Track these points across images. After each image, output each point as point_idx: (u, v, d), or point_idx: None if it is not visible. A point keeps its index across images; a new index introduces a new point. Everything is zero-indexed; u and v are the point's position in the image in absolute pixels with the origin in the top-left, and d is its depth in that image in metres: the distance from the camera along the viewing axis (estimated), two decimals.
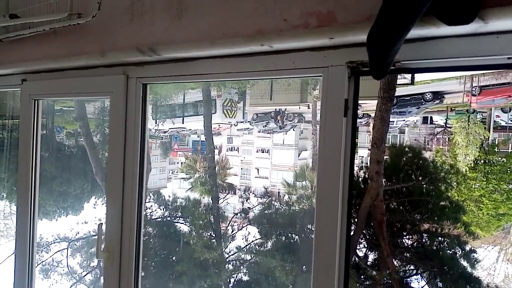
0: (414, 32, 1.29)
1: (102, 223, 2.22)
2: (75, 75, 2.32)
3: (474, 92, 10.36)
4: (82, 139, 9.03)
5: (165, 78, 2.05)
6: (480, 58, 1.37)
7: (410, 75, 9.35)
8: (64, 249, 8.38)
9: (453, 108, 11.37)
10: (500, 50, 1.32)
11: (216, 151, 12.59)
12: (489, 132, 10.31)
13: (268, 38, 1.55)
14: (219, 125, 13.52)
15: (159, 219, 8.71)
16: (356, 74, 1.59)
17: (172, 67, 1.98)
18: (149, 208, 8.61)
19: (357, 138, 10.46)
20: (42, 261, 8.15)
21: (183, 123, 12.80)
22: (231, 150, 15.17)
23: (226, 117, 12.41)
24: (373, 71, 1.33)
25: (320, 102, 1.64)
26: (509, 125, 10.96)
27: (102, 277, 7.77)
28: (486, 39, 1.33)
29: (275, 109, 12.63)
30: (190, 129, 14.00)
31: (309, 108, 11.89)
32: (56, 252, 8.35)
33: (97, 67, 2.22)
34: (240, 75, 1.84)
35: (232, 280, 7.90)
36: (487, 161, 8.84)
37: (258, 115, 13.30)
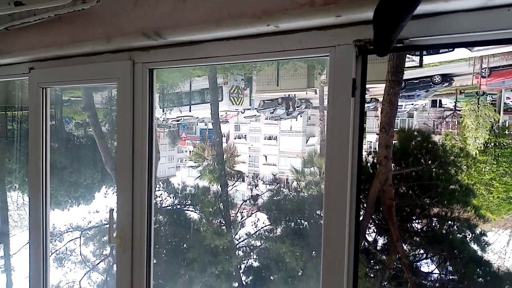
0: (422, 8, 1.27)
1: (113, 209, 2.24)
2: (82, 62, 2.32)
3: (483, 73, 10.18)
4: (90, 129, 9.09)
5: (171, 63, 2.04)
6: (490, 32, 1.35)
7: (418, 57, 9.22)
8: (76, 238, 8.52)
9: (462, 91, 11.21)
10: (508, 24, 1.29)
11: (224, 138, 12.60)
12: (499, 114, 10.15)
13: (274, 18, 1.53)
14: (226, 113, 13.51)
15: (169, 207, 8.80)
16: (364, 53, 1.57)
17: (178, 51, 1.97)
18: (159, 197, 8.69)
19: (365, 123, 10.39)
20: (56, 250, 8.30)
21: (190, 111, 12.81)
22: (238, 138, 15.18)
23: (233, 104, 12.37)
24: (377, 48, 1.31)
25: (328, 83, 1.62)
26: None
27: (115, 265, 7.88)
28: (496, 12, 1.30)
29: (285, 95, 12.55)
30: (197, 117, 14.02)
31: (316, 93, 11.80)
32: (69, 241, 8.50)
33: (103, 53, 2.22)
34: (247, 57, 1.82)
35: (242, 266, 7.99)
36: (497, 144, 8.75)
37: (265, 101, 13.24)
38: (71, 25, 2.11)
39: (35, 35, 2.27)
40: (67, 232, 8.58)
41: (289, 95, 12.55)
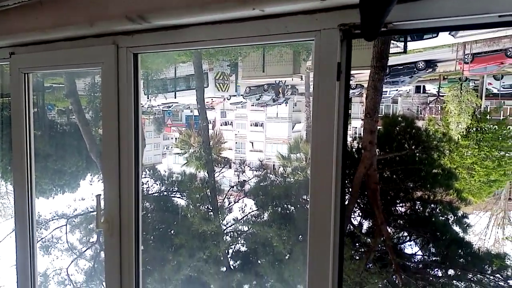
0: None
1: (100, 194, 2.23)
2: (65, 47, 2.28)
3: (466, 59, 10.31)
4: (74, 116, 8.95)
5: (156, 47, 2.02)
6: (473, 16, 1.37)
7: (402, 43, 9.27)
8: (63, 226, 8.46)
9: (445, 77, 11.33)
10: (491, 8, 1.32)
11: (210, 125, 12.55)
12: (481, 100, 10.33)
13: (259, 2, 1.53)
14: (212, 99, 13.41)
15: (156, 194, 8.78)
16: (349, 37, 1.58)
17: (163, 35, 1.95)
18: (146, 184, 8.65)
19: (351, 109, 10.45)
20: (42, 238, 8.24)
21: (175, 97, 12.67)
22: (225, 124, 15.11)
23: (219, 90, 12.28)
24: (365, 32, 1.32)
25: (313, 67, 1.64)
26: (501, 92, 10.98)
27: (102, 252, 7.91)
28: None
29: (275, 81, 12.50)
30: (183, 104, 13.89)
31: (302, 79, 11.80)
32: (55, 229, 8.43)
33: (87, 37, 2.18)
34: (232, 41, 1.81)
35: (230, 250, 8.06)
36: (479, 129, 8.89)
37: (251, 88, 13.17)
38: (52, 9, 2.06)
39: (16, 19, 2.22)
40: (52, 220, 8.51)
41: (279, 81, 12.50)
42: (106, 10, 1.89)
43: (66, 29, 2.07)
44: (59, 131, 9.74)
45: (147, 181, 8.72)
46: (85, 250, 8.50)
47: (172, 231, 8.25)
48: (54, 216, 8.52)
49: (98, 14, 1.92)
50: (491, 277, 5.79)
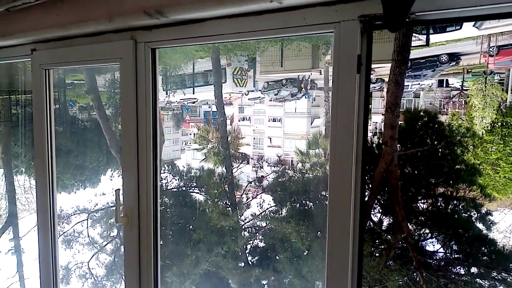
0: None
1: (119, 189, 2.25)
2: (84, 43, 2.30)
3: (491, 52, 10.01)
4: (94, 113, 9.10)
5: (174, 42, 2.01)
6: (497, 5, 1.31)
7: (425, 36, 9.06)
8: (84, 220, 8.64)
9: (469, 70, 11.04)
10: None
11: (228, 121, 12.58)
12: (507, 93, 10.02)
13: None
14: (230, 95, 13.42)
15: (175, 189, 8.86)
16: (369, 29, 1.54)
17: (180, 30, 1.94)
18: (164, 179, 8.74)
19: (371, 104, 10.31)
20: (64, 232, 8.43)
21: (193, 93, 12.73)
22: (243, 120, 15.11)
23: (237, 86, 12.27)
24: (389, 22, 1.28)
25: (332, 59, 1.60)
26: None
27: (122, 246, 8.06)
28: None
29: (298, 76, 12.42)
30: (201, 100, 13.96)
31: (321, 74, 11.69)
32: (76, 223, 8.62)
33: (106, 33, 2.20)
34: (250, 34, 1.79)
35: (248, 246, 8.09)
36: (504, 124, 8.65)
37: (269, 83, 13.12)
38: (72, 5, 2.09)
39: (37, 15, 2.25)
40: (74, 214, 8.70)
41: (302, 76, 12.40)
42: (124, 5, 1.90)
43: (86, 25, 2.09)
44: (80, 127, 9.94)
45: (166, 177, 8.81)
46: (106, 244, 8.67)
47: (191, 226, 8.32)
48: (76, 211, 8.71)
49: (117, 9, 1.93)
50: None
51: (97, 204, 8.83)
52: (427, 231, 6.24)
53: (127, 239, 2.31)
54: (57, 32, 2.28)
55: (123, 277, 2.39)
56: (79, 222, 8.62)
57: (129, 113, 2.18)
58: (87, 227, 8.55)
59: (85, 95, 9.51)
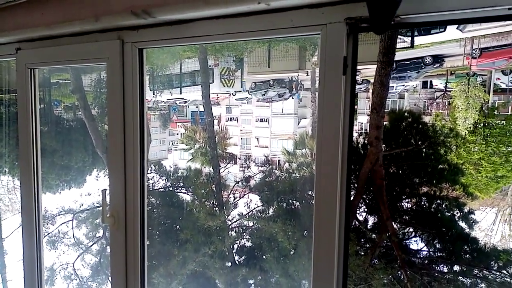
0: None
1: (106, 189, 2.24)
2: (70, 42, 2.28)
3: (474, 54, 10.21)
4: (80, 112, 8.99)
5: (161, 42, 2.02)
6: (480, 9, 1.35)
7: (410, 38, 9.19)
8: (69, 221, 8.52)
9: (453, 72, 11.23)
10: (500, 1, 1.30)
11: (216, 121, 12.54)
12: (489, 95, 10.22)
13: None
14: (217, 95, 13.40)
15: (162, 190, 8.81)
16: (355, 31, 1.57)
17: (168, 30, 1.94)
18: (151, 179, 8.68)
19: (357, 105, 10.39)
20: (49, 233, 8.31)
21: (181, 93, 12.67)
22: (230, 120, 15.09)
23: (224, 86, 12.25)
24: (375, 25, 1.30)
25: (319, 61, 1.62)
26: (509, 87, 10.83)
27: (108, 247, 7.98)
28: None
29: (289, 77, 12.45)
30: (188, 100, 13.89)
31: (308, 75, 11.75)
32: (61, 224, 8.50)
33: (92, 33, 2.18)
34: (238, 36, 1.80)
35: (235, 246, 8.09)
36: (486, 124, 8.81)
37: (257, 83, 13.13)
38: (58, 4, 2.07)
39: (22, 14, 2.23)
40: (59, 215, 8.57)
41: (293, 77, 12.43)
42: (111, 5, 1.89)
43: (72, 24, 2.07)
44: (65, 127, 9.80)
45: (153, 177, 8.76)
46: (92, 245, 8.57)
47: (178, 226, 8.28)
48: (61, 211, 8.59)
49: (103, 9, 1.92)
50: (497, 273, 5.77)
51: (82, 205, 8.73)
52: (411, 230, 6.32)
53: (114, 240, 2.30)
54: (43, 32, 2.25)
55: (109, 278, 2.38)
56: (64, 223, 8.51)
57: (116, 113, 2.17)
58: (73, 228, 8.45)
59: (70, 95, 9.38)
